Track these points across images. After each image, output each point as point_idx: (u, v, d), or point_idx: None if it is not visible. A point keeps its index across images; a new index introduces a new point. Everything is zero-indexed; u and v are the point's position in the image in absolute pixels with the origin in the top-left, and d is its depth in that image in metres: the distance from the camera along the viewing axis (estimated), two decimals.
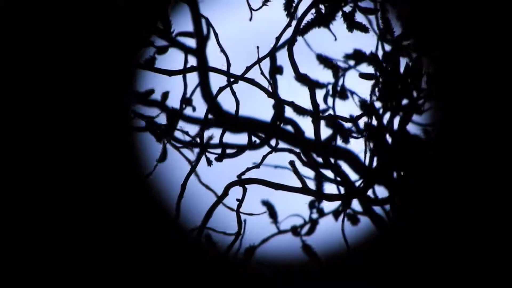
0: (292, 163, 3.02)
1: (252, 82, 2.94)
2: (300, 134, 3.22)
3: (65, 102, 3.00)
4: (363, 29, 2.94)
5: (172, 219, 3.06)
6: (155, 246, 3.16)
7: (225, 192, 2.99)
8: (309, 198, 3.32)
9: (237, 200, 2.98)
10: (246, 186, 2.98)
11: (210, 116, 3.18)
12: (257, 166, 3.03)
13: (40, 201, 3.04)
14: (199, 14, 3.02)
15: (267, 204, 3.38)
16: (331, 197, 3.17)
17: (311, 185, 3.28)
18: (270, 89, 2.98)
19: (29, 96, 2.97)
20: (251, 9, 2.94)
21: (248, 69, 3.01)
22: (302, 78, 2.94)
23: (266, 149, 3.07)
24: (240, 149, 3.02)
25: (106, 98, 3.04)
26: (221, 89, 2.99)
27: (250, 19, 2.95)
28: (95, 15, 2.90)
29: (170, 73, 2.97)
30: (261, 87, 2.96)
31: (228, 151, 3.06)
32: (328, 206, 3.33)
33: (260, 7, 2.95)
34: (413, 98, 2.98)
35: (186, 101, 3.01)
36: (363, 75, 2.97)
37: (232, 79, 2.99)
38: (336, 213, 3.30)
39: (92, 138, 3.04)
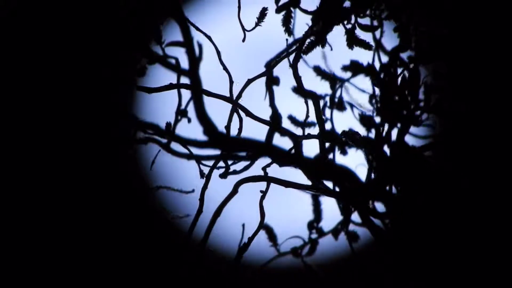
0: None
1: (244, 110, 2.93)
2: (297, 152, 3.21)
3: (65, 102, 3.01)
4: (366, 46, 2.96)
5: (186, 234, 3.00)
6: (159, 251, 3.12)
7: (235, 190, 2.93)
8: (308, 218, 3.30)
9: (261, 191, 2.94)
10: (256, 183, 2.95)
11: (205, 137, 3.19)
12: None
13: (38, 205, 3.02)
14: (189, 34, 3.06)
15: (266, 228, 3.35)
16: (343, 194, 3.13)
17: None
18: (267, 99, 2.98)
19: (28, 97, 2.98)
20: (244, 29, 2.97)
21: (244, 88, 3.01)
22: (307, 94, 2.95)
23: None
24: (245, 167, 3.00)
25: (107, 99, 3.05)
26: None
27: (243, 40, 2.97)
28: (95, 15, 2.93)
29: (150, 90, 2.94)
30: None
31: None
32: (327, 225, 3.30)
33: (253, 28, 2.98)
34: (410, 109, 2.98)
35: (181, 112, 3.01)
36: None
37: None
38: (335, 232, 3.26)
39: (92, 142, 3.03)
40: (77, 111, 2.99)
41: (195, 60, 3.15)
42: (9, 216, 3.01)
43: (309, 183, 2.88)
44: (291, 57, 2.93)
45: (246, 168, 2.98)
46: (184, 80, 3.18)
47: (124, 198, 3.14)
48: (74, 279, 3.04)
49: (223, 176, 3.00)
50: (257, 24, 2.97)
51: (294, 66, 2.94)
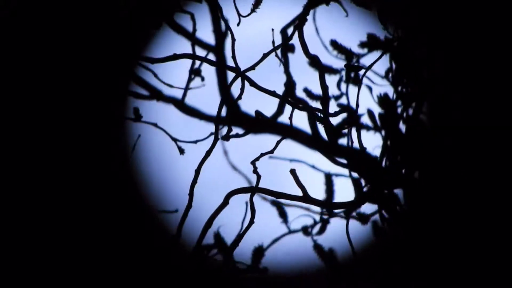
0: (293, 171, 2.94)
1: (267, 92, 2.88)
2: (315, 134, 3.17)
3: (64, 102, 2.99)
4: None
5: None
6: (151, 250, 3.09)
7: (226, 201, 2.87)
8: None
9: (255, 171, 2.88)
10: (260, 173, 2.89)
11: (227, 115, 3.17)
12: (271, 151, 2.93)
13: (34, 200, 3.00)
14: (218, 12, 3.04)
15: (276, 204, 3.31)
16: (333, 205, 3.09)
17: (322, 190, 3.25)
18: (282, 67, 2.94)
19: (28, 96, 2.97)
20: (239, 15, 2.94)
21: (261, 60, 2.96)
22: (312, 60, 2.89)
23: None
24: (246, 131, 2.95)
25: (104, 96, 3.04)
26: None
27: (238, 24, 2.93)
28: (95, 15, 2.93)
29: (153, 61, 2.90)
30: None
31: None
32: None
33: (249, 14, 2.94)
34: (424, 83, 2.92)
35: (195, 72, 2.98)
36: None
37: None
38: (346, 213, 3.20)
39: (85, 135, 3.01)
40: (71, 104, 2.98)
41: (221, 36, 3.14)
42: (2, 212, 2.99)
43: (300, 194, 2.82)
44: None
45: (246, 133, 2.93)
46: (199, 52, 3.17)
47: (114, 194, 3.11)
48: (66, 275, 3.01)
49: (225, 138, 2.94)
50: (252, 10, 2.93)
51: (299, 29, 2.86)
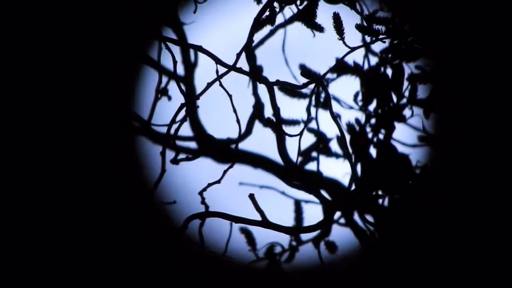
0: (251, 196, 2.90)
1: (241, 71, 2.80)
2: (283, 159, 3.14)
3: (65, 102, 2.96)
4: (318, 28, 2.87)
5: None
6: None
7: (185, 226, 2.81)
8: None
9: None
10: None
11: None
12: (218, 181, 2.89)
13: (35, 202, 2.96)
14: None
15: (245, 231, 3.25)
16: (294, 230, 3.04)
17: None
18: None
19: (28, 96, 2.94)
20: (196, 1, 2.91)
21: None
22: (261, 79, 2.85)
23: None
24: (194, 156, 2.92)
25: (105, 98, 3.01)
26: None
27: (195, 12, 2.91)
28: (95, 15, 2.91)
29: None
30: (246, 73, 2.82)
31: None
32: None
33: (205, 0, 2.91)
34: (394, 104, 2.91)
35: (161, 91, 2.94)
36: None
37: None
38: (315, 241, 3.16)
39: (90, 138, 2.99)
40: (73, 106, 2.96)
41: (190, 67, 3.12)
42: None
43: (259, 218, 2.78)
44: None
45: (195, 156, 2.89)
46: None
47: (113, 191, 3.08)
48: (65, 271, 2.97)
49: (174, 162, 2.90)
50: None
51: (247, 48, 2.81)
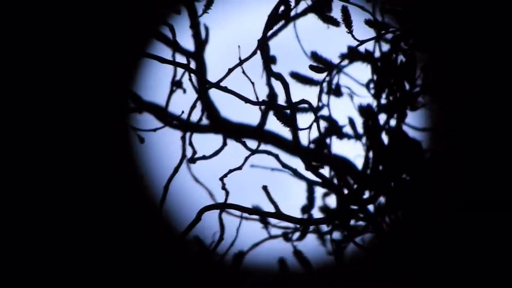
0: (265, 187, 2.96)
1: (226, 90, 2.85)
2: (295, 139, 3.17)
3: (64, 101, 2.98)
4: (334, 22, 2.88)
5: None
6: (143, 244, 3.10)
7: (198, 217, 2.87)
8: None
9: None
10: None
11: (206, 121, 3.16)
12: (239, 168, 2.95)
13: (36, 194, 2.99)
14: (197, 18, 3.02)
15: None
16: (307, 222, 3.10)
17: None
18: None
19: (28, 96, 2.95)
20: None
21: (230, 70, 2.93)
22: (275, 75, 2.88)
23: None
24: (215, 152, 2.96)
25: (104, 96, 3.03)
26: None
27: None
28: (95, 15, 2.90)
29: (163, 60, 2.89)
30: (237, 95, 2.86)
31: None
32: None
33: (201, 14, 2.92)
34: (406, 92, 2.93)
35: (176, 83, 2.96)
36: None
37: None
38: (320, 236, 3.21)
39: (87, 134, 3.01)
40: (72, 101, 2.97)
41: (201, 42, 3.12)
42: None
43: (273, 211, 2.83)
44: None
45: (215, 153, 2.94)
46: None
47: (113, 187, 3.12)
48: (63, 270, 3.02)
49: (191, 161, 2.96)
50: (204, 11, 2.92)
51: (262, 43, 2.84)
